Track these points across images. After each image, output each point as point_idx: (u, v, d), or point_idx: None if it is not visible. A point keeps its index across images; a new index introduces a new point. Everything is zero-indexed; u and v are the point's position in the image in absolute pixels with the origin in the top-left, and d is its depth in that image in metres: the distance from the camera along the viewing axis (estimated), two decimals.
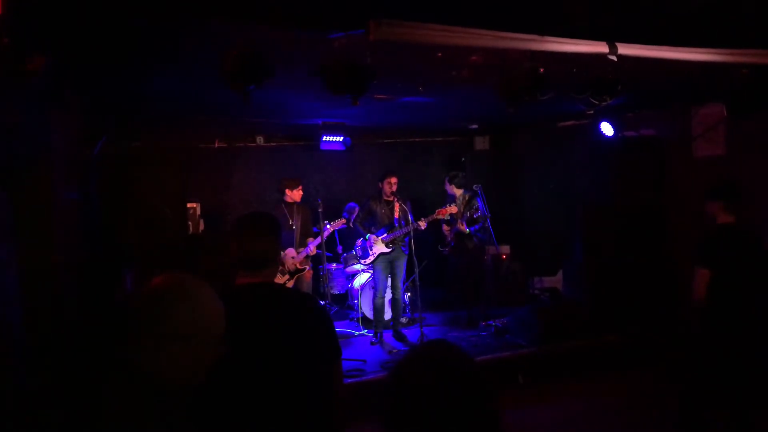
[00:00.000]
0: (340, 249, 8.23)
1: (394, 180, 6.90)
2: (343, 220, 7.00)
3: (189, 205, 6.62)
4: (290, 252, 6.65)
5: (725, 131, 6.55)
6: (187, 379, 1.64)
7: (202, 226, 7.13)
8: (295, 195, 6.86)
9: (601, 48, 3.88)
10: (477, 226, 7.26)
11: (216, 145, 8.19)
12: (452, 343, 1.37)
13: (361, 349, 6.81)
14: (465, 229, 7.32)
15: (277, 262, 2.53)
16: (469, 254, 7.62)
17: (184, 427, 1.66)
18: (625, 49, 3.91)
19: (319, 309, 2.51)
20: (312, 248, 6.74)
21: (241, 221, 2.47)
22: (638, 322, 6.90)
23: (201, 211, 7.22)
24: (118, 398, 1.54)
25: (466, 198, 7.45)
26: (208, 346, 1.64)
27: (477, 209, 7.19)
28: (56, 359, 3.87)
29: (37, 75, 3.01)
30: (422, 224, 6.80)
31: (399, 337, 7.05)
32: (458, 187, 7.55)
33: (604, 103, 4.81)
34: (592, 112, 5.27)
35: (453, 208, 7.11)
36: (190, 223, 6.70)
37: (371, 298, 7.25)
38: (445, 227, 7.70)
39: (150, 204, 5.50)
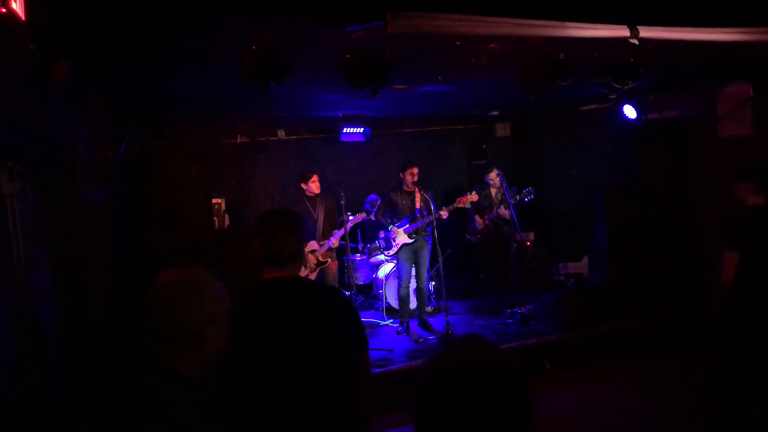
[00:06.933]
0: (360, 245, 8.30)
1: (415, 170, 6.89)
2: (364, 214, 7.00)
3: (214, 200, 6.67)
4: (312, 245, 6.70)
5: (752, 111, 6.43)
6: (199, 372, 1.68)
7: (227, 221, 7.20)
8: (312, 186, 6.85)
9: (623, 32, 3.83)
10: (515, 212, 7.20)
11: (238, 140, 8.24)
12: (483, 337, 1.39)
13: (387, 338, 6.85)
14: (507, 213, 7.26)
15: (302, 257, 2.57)
16: (503, 241, 7.61)
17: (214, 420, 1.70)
18: (647, 32, 3.85)
19: (345, 301, 2.54)
20: (334, 241, 6.76)
21: (265, 218, 2.50)
22: (664, 307, 6.83)
23: (226, 206, 7.29)
24: (150, 392, 1.59)
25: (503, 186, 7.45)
26: (215, 340, 1.68)
27: (529, 193, 7.22)
28: (86, 355, 3.96)
29: (62, 79, 3.07)
30: (444, 213, 6.78)
31: (425, 326, 7.07)
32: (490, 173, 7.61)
33: (626, 87, 4.75)
34: (614, 96, 5.20)
35: (474, 196, 7.07)
36: (215, 218, 6.76)
37: (396, 288, 7.28)
38: (478, 219, 7.68)
39: (174, 201, 5.57)
